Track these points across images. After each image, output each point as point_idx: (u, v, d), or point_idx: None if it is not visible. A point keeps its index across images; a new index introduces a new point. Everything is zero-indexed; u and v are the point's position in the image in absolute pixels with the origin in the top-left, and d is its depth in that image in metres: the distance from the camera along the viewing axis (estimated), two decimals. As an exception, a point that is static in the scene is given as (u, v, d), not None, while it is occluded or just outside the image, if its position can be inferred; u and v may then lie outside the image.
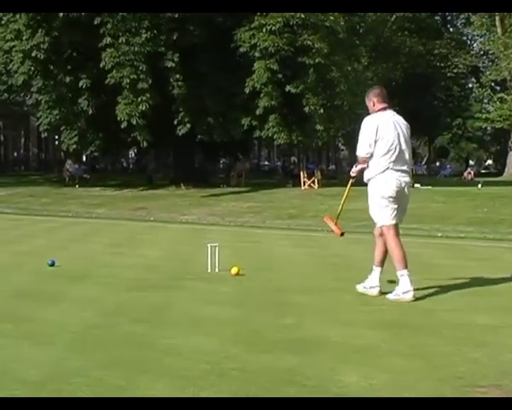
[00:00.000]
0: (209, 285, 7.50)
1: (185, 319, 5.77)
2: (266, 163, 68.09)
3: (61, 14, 25.31)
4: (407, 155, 6.79)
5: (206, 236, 13.47)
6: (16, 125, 59.70)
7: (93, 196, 27.20)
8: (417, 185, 27.10)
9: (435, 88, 52.18)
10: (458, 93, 55.05)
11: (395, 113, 6.98)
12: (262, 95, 25.97)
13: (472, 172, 45.60)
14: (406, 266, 6.62)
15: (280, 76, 26.04)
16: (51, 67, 28.53)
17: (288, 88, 26.03)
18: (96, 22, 25.28)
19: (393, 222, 6.79)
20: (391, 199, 6.70)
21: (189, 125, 26.95)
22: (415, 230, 15.75)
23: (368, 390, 3.87)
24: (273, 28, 25.33)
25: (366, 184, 6.93)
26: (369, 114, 6.90)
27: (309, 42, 25.74)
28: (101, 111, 27.84)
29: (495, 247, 12.58)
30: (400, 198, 6.76)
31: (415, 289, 6.61)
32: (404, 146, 6.74)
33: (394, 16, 44.63)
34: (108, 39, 25.65)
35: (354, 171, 7.02)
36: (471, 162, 72.49)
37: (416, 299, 6.65)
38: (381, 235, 6.90)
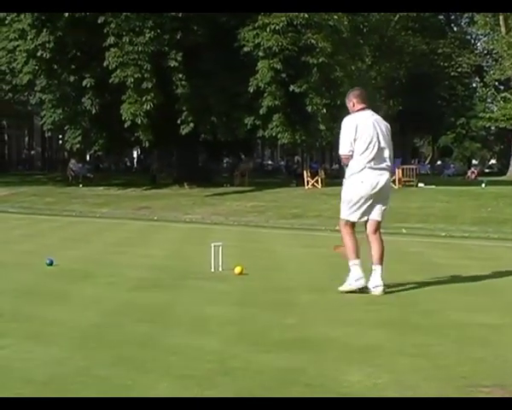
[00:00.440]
0: (213, 285, 7.51)
1: (189, 319, 5.77)
2: (270, 163, 68.04)
3: (66, 14, 25.34)
4: (386, 154, 7.00)
5: (209, 235, 13.47)
6: (20, 125, 59.77)
7: (97, 196, 27.22)
8: (421, 185, 27.12)
9: (439, 87, 52.09)
10: (462, 92, 54.94)
11: (374, 113, 7.25)
12: (265, 94, 25.95)
13: (475, 172, 45.53)
14: (358, 257, 6.91)
15: (283, 75, 26.02)
16: (55, 67, 28.57)
17: (291, 87, 26.01)
18: (99, 21, 25.30)
19: (356, 220, 7.03)
20: (363, 199, 6.93)
21: (192, 125, 26.94)
22: (419, 229, 15.77)
23: (372, 390, 3.87)
24: (277, 28, 25.31)
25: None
26: (349, 114, 7.13)
27: (313, 41, 25.71)
28: (105, 110, 27.85)
29: (499, 246, 12.57)
30: (374, 197, 6.95)
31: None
32: (382, 144, 6.96)
33: (398, 16, 44.56)
34: (112, 39, 25.66)
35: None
36: (474, 162, 72.40)
37: (420, 298, 6.66)
38: (374, 232, 7.02)
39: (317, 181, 28.00)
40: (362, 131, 6.89)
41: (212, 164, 43.36)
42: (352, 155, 6.93)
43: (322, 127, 26.72)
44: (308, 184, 27.90)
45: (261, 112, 26.13)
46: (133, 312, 6.06)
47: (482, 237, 14.09)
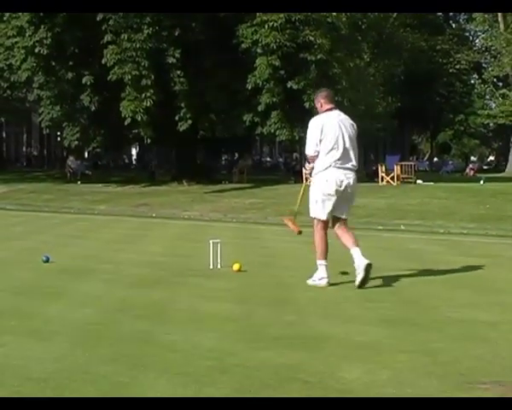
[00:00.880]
0: (211, 281, 7.51)
1: (187, 316, 5.77)
2: (268, 159, 68.15)
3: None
4: (352, 153, 7.20)
5: (208, 232, 13.47)
6: (18, 122, 59.70)
7: (95, 193, 27.20)
8: (419, 181, 27.13)
9: (437, 84, 52.12)
10: (460, 89, 55.00)
11: (341, 113, 7.40)
12: (264, 91, 25.93)
13: (474, 169, 45.57)
14: (325, 258, 7.13)
15: (282, 72, 25.99)
16: (53, 64, 28.52)
17: (289, 84, 25.98)
18: (98, 19, 25.28)
19: (324, 217, 7.18)
20: (329, 196, 7.11)
21: (190, 122, 26.89)
22: (417, 226, 15.78)
23: (371, 387, 3.87)
24: (275, 24, 25.27)
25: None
26: (318, 113, 7.39)
27: (311, 38, 25.68)
28: (104, 107, 27.81)
29: (497, 243, 12.58)
30: (340, 195, 7.13)
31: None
32: (348, 144, 7.15)
33: (396, 13, 44.55)
34: (110, 36, 25.63)
35: (307, 169, 7.47)
36: (473, 158, 72.47)
37: (419, 295, 6.66)
38: (342, 229, 7.22)
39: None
40: (327, 131, 7.08)
41: (211, 161, 43.37)
42: (318, 155, 7.14)
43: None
44: (307, 180, 27.78)
45: (259, 109, 26.11)
46: (132, 309, 6.06)
47: (481, 234, 14.10)
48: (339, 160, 7.07)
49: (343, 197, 7.16)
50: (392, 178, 26.22)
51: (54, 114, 29.34)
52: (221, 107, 27.18)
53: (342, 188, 7.09)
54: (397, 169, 26.67)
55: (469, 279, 7.71)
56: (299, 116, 27.03)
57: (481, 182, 25.96)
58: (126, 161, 63.84)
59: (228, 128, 27.93)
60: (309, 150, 7.23)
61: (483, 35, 46.44)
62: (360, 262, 6.90)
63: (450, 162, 63.01)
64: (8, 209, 22.21)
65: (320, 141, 7.08)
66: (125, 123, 26.22)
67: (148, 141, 27.81)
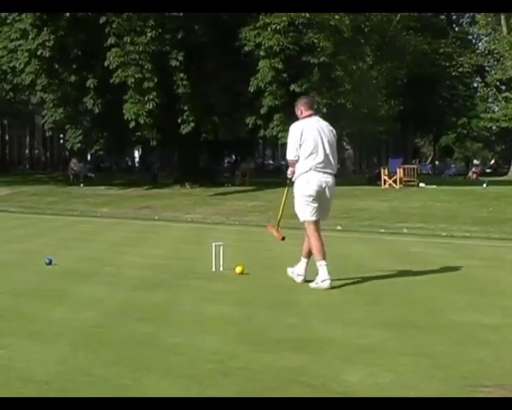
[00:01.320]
0: (214, 284, 7.51)
1: (190, 318, 5.78)
2: (271, 162, 68.12)
3: (67, 14, 25.36)
4: (331, 158, 7.37)
5: (210, 235, 13.48)
6: (21, 124, 59.81)
7: (98, 195, 27.23)
8: (422, 184, 27.09)
9: (440, 87, 52.07)
10: (463, 92, 54.96)
11: (320, 119, 7.63)
12: (266, 94, 25.93)
13: (477, 172, 45.51)
14: (324, 258, 7.17)
15: (284, 75, 25.98)
16: (56, 66, 28.58)
17: (292, 87, 25.97)
18: (101, 21, 25.32)
19: (313, 218, 7.35)
20: (311, 198, 7.29)
21: (192, 124, 26.92)
22: (420, 229, 15.76)
23: (373, 390, 3.87)
24: (278, 27, 25.27)
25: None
26: (297, 119, 7.57)
27: (314, 41, 25.69)
28: (107, 110, 27.86)
29: (500, 246, 12.56)
30: (321, 197, 7.33)
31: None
32: (327, 149, 7.34)
33: (399, 15, 44.49)
34: (113, 39, 25.67)
35: (289, 173, 7.62)
36: (476, 162, 72.41)
37: (421, 298, 6.66)
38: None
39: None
40: (307, 136, 7.26)
41: (214, 164, 43.40)
42: (297, 160, 7.32)
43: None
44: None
45: (262, 111, 26.10)
46: (134, 311, 6.06)
47: (483, 237, 14.07)
48: (319, 163, 7.25)
49: (325, 199, 7.36)
50: (395, 181, 26.22)
51: (57, 116, 29.40)
52: (224, 109, 27.20)
53: (323, 190, 7.29)
54: (399, 172, 26.67)
55: (471, 282, 7.70)
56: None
57: (484, 185, 25.94)
58: (129, 163, 63.87)
59: (231, 131, 27.95)
60: (289, 155, 7.42)
61: (486, 38, 46.34)
62: (298, 271, 7.42)
63: (453, 165, 62.95)
64: (10, 211, 22.23)
65: (300, 146, 7.26)
66: (130, 126, 26.24)
67: (154, 143, 27.81)
